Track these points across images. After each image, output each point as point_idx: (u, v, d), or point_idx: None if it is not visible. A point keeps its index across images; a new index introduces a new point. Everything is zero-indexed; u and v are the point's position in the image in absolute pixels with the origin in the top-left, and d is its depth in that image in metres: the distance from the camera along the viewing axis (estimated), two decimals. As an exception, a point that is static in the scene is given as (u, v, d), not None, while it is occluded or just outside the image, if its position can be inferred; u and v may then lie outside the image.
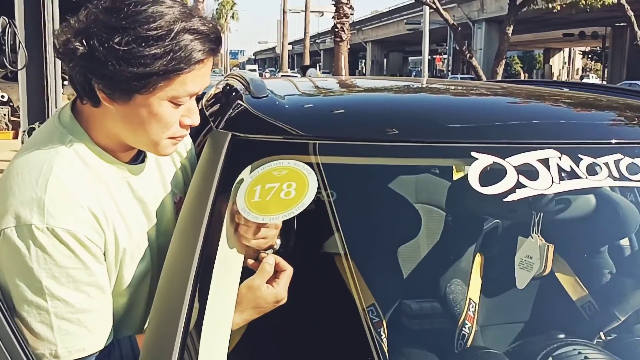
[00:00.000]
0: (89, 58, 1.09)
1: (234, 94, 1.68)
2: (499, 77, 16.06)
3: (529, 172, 1.28)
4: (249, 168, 1.35)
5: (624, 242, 1.68)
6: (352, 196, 1.57)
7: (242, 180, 1.33)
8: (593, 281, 1.62)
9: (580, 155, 1.33)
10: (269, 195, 1.27)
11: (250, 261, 1.30)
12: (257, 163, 1.35)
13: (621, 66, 36.11)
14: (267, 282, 1.24)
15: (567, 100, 1.72)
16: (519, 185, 1.26)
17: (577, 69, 53.43)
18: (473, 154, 1.30)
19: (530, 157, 1.30)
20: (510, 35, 17.84)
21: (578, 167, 1.30)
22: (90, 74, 1.11)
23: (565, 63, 50.92)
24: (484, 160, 1.28)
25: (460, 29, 18.30)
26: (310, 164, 1.33)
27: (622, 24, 32.07)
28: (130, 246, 1.23)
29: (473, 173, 1.26)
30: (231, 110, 1.54)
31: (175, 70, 1.10)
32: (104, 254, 1.17)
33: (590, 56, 46.48)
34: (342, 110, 1.54)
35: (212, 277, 1.19)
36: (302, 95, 1.81)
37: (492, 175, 1.27)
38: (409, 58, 65.20)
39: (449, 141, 1.37)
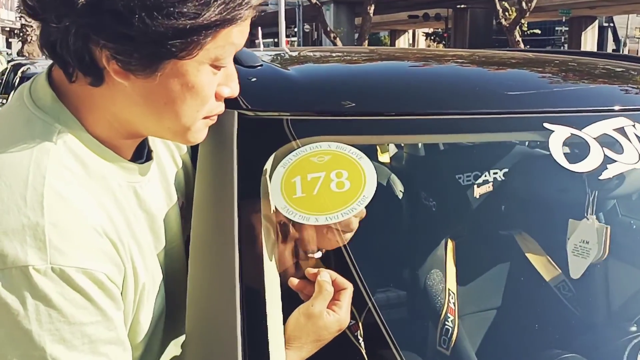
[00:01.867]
0: (95, 10, 0.74)
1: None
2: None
3: (611, 144, 1.09)
4: (272, 156, 1.06)
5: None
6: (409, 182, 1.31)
7: (268, 171, 1.04)
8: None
9: (652, 123, 1.16)
10: (315, 188, 0.99)
11: (295, 280, 1.00)
12: (283, 150, 1.06)
13: (463, 47, 38.08)
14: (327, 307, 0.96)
15: (597, 67, 1.57)
16: (608, 160, 1.06)
17: (421, 50, 55.77)
18: (546, 125, 1.10)
19: (607, 127, 1.11)
20: (372, 15, 18.06)
21: (656, 136, 1.13)
22: (98, 34, 0.75)
23: (410, 44, 52.97)
24: (561, 132, 1.08)
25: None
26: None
27: (463, 6, 33.79)
28: (147, 279, 0.90)
29: (555, 147, 1.05)
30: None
31: (233, 19, 0.78)
32: (122, 295, 0.84)
33: (432, 37, 48.61)
34: (384, 81, 1.26)
35: (266, 311, 0.90)
36: (301, 63, 1.51)
37: (575, 149, 1.06)
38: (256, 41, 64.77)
39: (518, 111, 1.15)
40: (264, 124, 1.11)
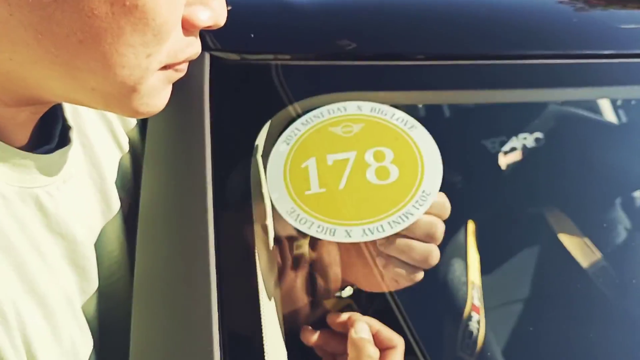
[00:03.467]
0: None
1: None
2: None
3: None
4: (267, 126, 0.66)
5: None
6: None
7: (261, 149, 0.65)
8: None
9: None
10: (342, 178, 0.60)
11: (312, 334, 0.62)
12: (285, 114, 0.67)
13: None
14: None
15: None
16: None
17: None
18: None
19: None
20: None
21: None
22: None
23: None
24: None
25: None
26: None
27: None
28: (48, 342, 0.50)
29: None
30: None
31: None
32: None
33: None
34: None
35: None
36: None
37: None
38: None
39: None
40: (253, 73, 0.70)
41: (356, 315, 0.60)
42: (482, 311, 1.13)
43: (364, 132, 0.63)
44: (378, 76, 0.70)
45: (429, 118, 0.85)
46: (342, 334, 0.60)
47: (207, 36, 0.72)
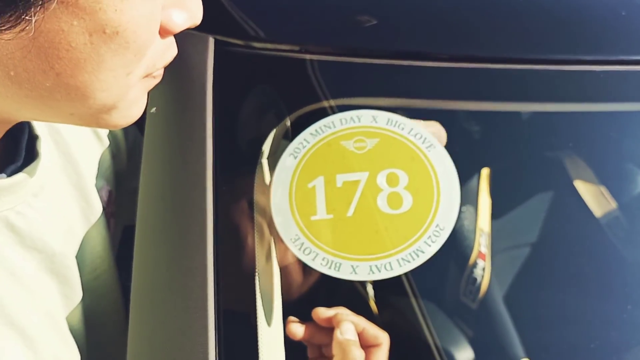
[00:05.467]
0: None
1: None
2: None
3: None
4: (275, 130, 0.61)
5: None
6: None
7: (264, 160, 0.60)
8: None
9: None
10: (351, 203, 0.56)
11: (297, 327, 0.61)
12: (293, 118, 0.62)
13: None
14: None
15: None
16: None
17: None
18: None
19: None
20: None
21: None
22: None
23: None
24: None
25: None
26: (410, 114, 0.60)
27: None
28: None
29: None
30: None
31: None
32: None
33: None
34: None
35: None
36: None
37: None
38: None
39: None
40: (258, 63, 0.64)
41: (342, 314, 0.58)
42: (488, 258, 1.12)
43: (378, 149, 0.58)
44: (406, 78, 0.64)
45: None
46: (328, 328, 0.59)
47: (212, 16, 0.65)
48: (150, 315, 0.58)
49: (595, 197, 1.16)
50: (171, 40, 0.45)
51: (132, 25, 0.38)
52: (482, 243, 1.16)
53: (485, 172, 1.17)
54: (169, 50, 0.45)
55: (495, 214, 1.17)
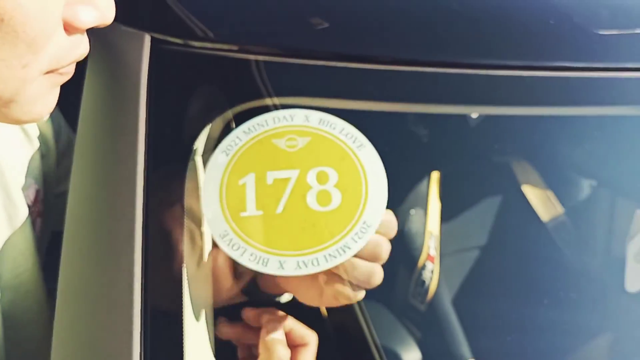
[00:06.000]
0: None
1: None
2: None
3: None
4: (208, 127, 0.62)
5: None
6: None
7: (197, 156, 0.61)
8: None
9: None
10: (281, 200, 0.57)
11: (226, 327, 0.62)
12: (227, 116, 0.62)
13: None
14: None
15: None
16: None
17: None
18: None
19: None
20: None
21: None
22: None
23: None
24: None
25: None
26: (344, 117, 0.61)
27: None
28: None
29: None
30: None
31: None
32: None
33: None
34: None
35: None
36: None
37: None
38: None
39: (619, 67, 0.69)
40: (195, 62, 0.64)
41: (269, 313, 0.59)
42: (437, 260, 1.15)
43: (310, 147, 0.59)
44: (342, 79, 0.65)
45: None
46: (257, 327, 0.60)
47: (149, 14, 0.65)
48: (76, 316, 0.57)
49: (542, 202, 1.20)
50: (80, 37, 0.45)
51: (19, 14, 0.38)
52: (431, 246, 1.19)
53: (435, 175, 1.20)
54: (78, 47, 0.45)
55: (445, 218, 1.20)
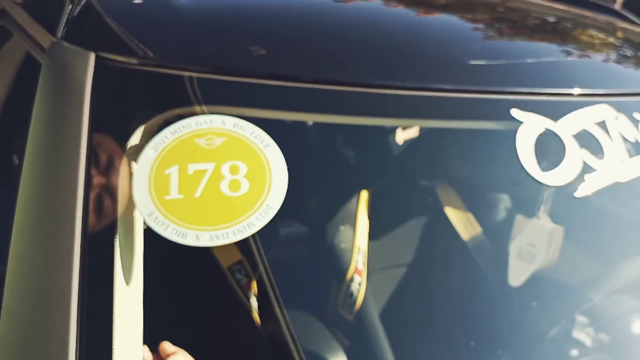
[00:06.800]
0: None
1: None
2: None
3: (590, 143, 0.85)
4: (141, 129, 0.74)
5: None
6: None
7: (134, 150, 0.73)
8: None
9: (636, 114, 0.92)
10: (199, 187, 0.69)
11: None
12: (156, 121, 0.75)
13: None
14: None
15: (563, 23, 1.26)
16: (588, 169, 0.82)
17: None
18: (515, 112, 0.83)
19: (586, 120, 0.85)
20: None
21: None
22: None
23: None
24: (533, 125, 0.82)
25: None
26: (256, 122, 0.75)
27: None
28: None
29: (523, 146, 0.80)
30: (76, 7, 0.86)
31: None
32: None
33: None
34: (307, 29, 0.91)
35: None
36: None
37: (547, 150, 0.81)
38: None
39: (481, 90, 0.86)
40: (131, 77, 0.77)
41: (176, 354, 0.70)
42: (364, 274, 1.27)
43: (225, 145, 0.72)
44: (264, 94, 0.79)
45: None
46: None
47: (94, 35, 0.78)
48: (16, 311, 0.66)
49: (462, 222, 1.34)
50: None
51: None
52: (359, 260, 1.31)
53: (364, 195, 1.33)
54: None
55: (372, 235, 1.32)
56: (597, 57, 1.05)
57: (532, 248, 1.04)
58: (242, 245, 0.88)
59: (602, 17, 1.28)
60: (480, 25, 1.02)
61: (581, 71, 0.95)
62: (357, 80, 0.80)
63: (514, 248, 1.16)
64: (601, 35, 1.17)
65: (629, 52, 1.11)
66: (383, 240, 1.46)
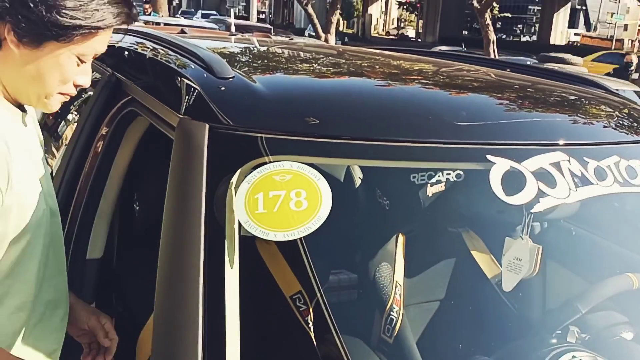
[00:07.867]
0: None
1: (184, 70, 1.42)
2: (333, 27, 16.10)
3: (546, 177, 1.21)
4: (238, 172, 1.15)
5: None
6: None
7: (233, 185, 1.13)
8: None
9: (586, 159, 1.28)
10: (276, 205, 1.09)
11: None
12: (248, 166, 1.15)
13: (435, 20, 38.11)
14: None
15: (541, 93, 1.67)
16: (541, 193, 1.18)
17: (393, 19, 55.65)
18: (490, 157, 1.21)
19: (544, 161, 1.23)
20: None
21: (587, 171, 1.25)
22: (6, 12, 1.07)
23: (382, 12, 52.76)
24: (502, 165, 1.19)
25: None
26: (313, 165, 1.15)
27: (438, -21, 33.68)
28: (23, 194, 1.15)
29: (495, 179, 1.17)
30: (193, 94, 1.30)
31: (97, 27, 1.11)
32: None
33: (405, 7, 48.45)
34: (346, 104, 1.35)
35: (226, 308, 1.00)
36: (271, 72, 1.59)
37: (512, 181, 1.18)
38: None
39: (463, 142, 1.26)
40: (232, 139, 1.19)
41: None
42: (401, 304, 1.59)
43: (292, 179, 1.12)
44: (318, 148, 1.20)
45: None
46: None
47: (211, 113, 1.21)
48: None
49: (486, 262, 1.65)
50: (74, 87, 1.16)
51: (67, 68, 1.14)
52: (397, 292, 1.64)
53: (401, 238, 1.66)
54: (73, 90, 1.18)
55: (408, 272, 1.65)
56: (556, 117, 1.43)
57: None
58: (302, 277, 1.22)
59: (571, 85, 1.66)
60: (470, 95, 1.42)
61: (542, 126, 1.34)
62: (387, 137, 1.21)
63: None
64: (559, 100, 1.55)
65: (582, 112, 1.49)
66: (418, 279, 1.79)
